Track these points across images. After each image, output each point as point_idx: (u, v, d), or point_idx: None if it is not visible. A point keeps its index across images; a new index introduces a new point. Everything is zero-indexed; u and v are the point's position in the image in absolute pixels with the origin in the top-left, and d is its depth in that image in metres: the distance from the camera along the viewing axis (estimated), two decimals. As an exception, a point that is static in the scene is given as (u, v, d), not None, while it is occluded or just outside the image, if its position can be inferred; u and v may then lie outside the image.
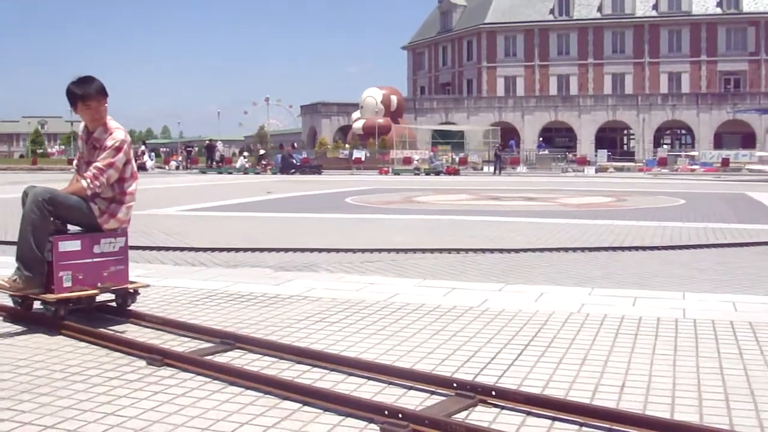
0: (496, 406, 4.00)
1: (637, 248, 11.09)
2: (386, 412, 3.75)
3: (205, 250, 10.72)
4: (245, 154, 62.34)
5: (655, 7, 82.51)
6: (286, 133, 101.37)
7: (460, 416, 3.84)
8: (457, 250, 10.61)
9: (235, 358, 4.97)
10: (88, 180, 5.93)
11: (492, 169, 51.98)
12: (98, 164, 5.95)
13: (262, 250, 10.77)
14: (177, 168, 60.08)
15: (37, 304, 6.01)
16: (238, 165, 55.50)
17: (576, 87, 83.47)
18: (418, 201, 22.77)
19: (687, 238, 12.72)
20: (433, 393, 4.20)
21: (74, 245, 5.78)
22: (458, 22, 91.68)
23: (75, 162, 6.48)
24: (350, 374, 4.55)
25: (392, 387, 4.34)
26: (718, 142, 73.25)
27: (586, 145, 73.85)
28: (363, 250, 10.62)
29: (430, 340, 5.42)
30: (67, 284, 5.72)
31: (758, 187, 31.19)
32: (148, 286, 6.51)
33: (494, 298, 6.95)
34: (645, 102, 76.19)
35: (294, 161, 50.27)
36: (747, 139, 72.99)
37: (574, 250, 10.83)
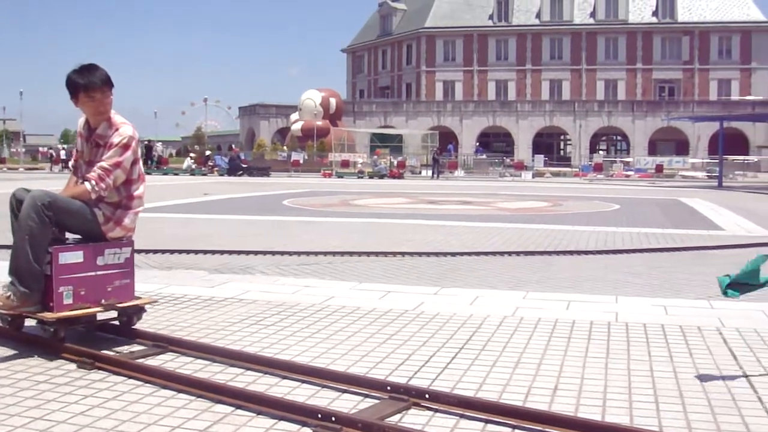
0: (429, 408, 4.00)
1: (571, 252, 11.22)
2: (319, 416, 3.73)
3: (138, 251, 10.55)
4: (192, 155, 61.65)
5: (593, 14, 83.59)
6: (224, 134, 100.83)
7: (393, 419, 3.84)
8: (394, 254, 10.63)
9: (167, 361, 4.91)
10: (93, 182, 5.24)
11: (430, 173, 52.17)
12: (104, 164, 5.27)
13: (197, 251, 10.68)
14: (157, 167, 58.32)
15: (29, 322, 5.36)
16: (184, 166, 54.83)
17: (514, 92, 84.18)
18: (356, 204, 22.76)
19: (621, 242, 12.89)
20: (367, 396, 4.19)
21: (76, 257, 5.11)
22: (398, 26, 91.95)
23: (71, 163, 5.73)
24: (284, 377, 4.52)
25: (326, 390, 4.32)
26: (653, 149, 74.39)
27: (523, 150, 74.52)
28: (299, 253, 10.59)
29: (364, 343, 5.41)
30: (68, 301, 5.05)
31: (691, 193, 31.75)
32: (156, 301, 5.99)
33: (429, 301, 6.97)
34: (582, 108, 77.12)
35: (241, 163, 49.89)
36: (681, 146, 74.25)
37: (510, 254, 10.91)
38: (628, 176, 53.06)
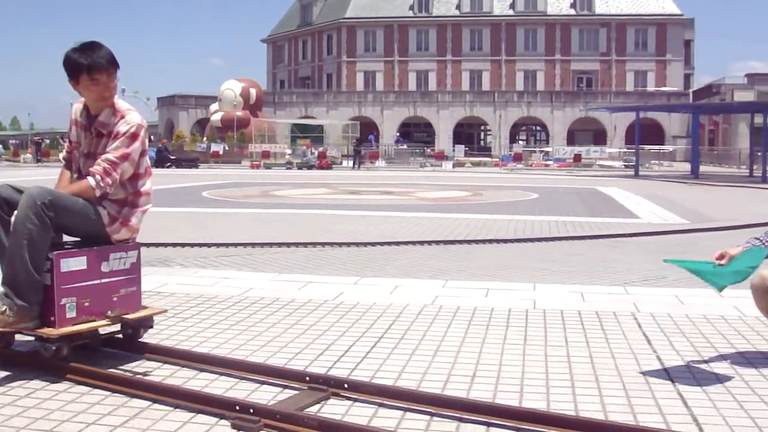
0: (348, 398, 4.00)
1: (490, 241, 11.33)
2: (237, 408, 3.70)
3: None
4: None
5: (512, 6, 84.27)
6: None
7: (312, 410, 3.83)
8: (314, 244, 10.60)
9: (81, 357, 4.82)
10: (98, 176, 4.60)
11: (351, 163, 52.10)
12: (109, 156, 4.63)
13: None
14: (38, 161, 56.64)
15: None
16: None
17: (435, 83, 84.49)
18: (276, 195, 22.65)
19: (539, 231, 13.06)
20: (286, 387, 4.17)
21: (79, 263, 4.49)
22: (318, 16, 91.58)
23: (63, 155, 5.14)
24: (202, 370, 4.48)
25: (245, 382, 4.29)
26: (571, 139, 75.38)
27: (444, 140, 74.89)
28: (218, 245, 10.49)
29: (284, 334, 5.39)
30: (71, 314, 4.43)
31: (608, 182, 32.27)
32: (165, 311, 5.40)
33: (349, 291, 6.97)
34: (501, 99, 77.78)
35: (168, 155, 49.13)
36: (598, 136, 75.38)
37: (430, 243, 10.97)
38: (547, 166, 53.68)
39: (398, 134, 73.39)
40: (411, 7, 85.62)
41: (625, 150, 60.50)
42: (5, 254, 4.42)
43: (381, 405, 3.91)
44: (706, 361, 4.85)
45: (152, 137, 63.92)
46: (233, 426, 3.60)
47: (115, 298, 4.66)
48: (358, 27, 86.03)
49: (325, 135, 66.19)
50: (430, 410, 3.81)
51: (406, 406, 3.87)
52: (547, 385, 4.32)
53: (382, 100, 79.07)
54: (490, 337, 5.37)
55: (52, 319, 4.40)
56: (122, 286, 4.71)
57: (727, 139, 65.80)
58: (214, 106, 68.89)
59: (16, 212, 4.40)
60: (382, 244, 10.81)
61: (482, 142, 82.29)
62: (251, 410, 3.66)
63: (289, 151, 54.89)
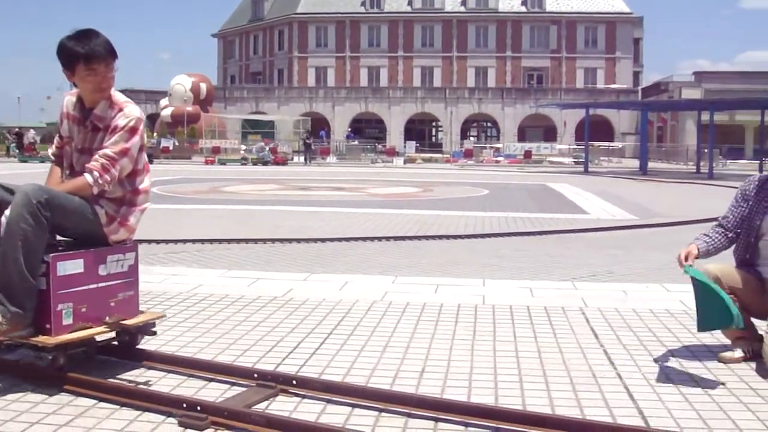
0: (297, 395, 3.99)
1: (441, 237, 11.36)
2: (185, 405, 3.67)
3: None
4: None
5: (464, 3, 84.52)
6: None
7: (260, 406, 3.81)
8: (264, 240, 10.55)
9: (26, 355, 4.74)
10: (96, 173, 4.30)
11: (302, 159, 51.89)
12: (108, 151, 4.33)
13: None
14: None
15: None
16: None
17: (386, 79, 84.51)
18: (227, 191, 22.50)
19: (489, 227, 13.12)
20: (234, 384, 4.14)
21: (76, 266, 4.20)
22: (270, 10, 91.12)
23: (52, 150, 4.78)
24: (149, 368, 4.43)
25: (192, 380, 4.25)
26: (522, 135, 75.85)
27: (395, 136, 74.95)
28: (166, 241, 10.39)
29: (232, 331, 5.35)
30: (68, 321, 4.14)
31: (558, 178, 32.52)
32: (163, 316, 5.07)
33: (299, 287, 6.94)
34: (453, 95, 78.04)
35: None
36: (549, 133, 75.92)
37: (380, 239, 10.97)
38: (497, 162, 53.93)
39: (349, 130, 73.36)
40: (363, 3, 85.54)
41: (575, 146, 61.02)
42: None
43: (330, 401, 3.91)
44: (652, 355, 4.91)
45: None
46: (180, 424, 3.57)
47: (112, 303, 4.38)
48: (310, 22, 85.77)
49: (276, 131, 65.92)
50: (379, 406, 3.81)
51: (354, 402, 3.87)
52: (496, 380, 4.35)
53: (334, 96, 78.94)
54: (439, 333, 5.38)
55: (48, 326, 4.09)
56: (120, 290, 4.43)
57: (675, 136, 66.62)
58: (164, 101, 68.23)
59: (8, 212, 4.09)
60: (332, 240, 10.79)
61: (433, 139, 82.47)
62: (198, 408, 3.64)
63: (244, 147, 54.53)
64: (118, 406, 3.79)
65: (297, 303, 6.28)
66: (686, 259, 4.72)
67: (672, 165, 53.58)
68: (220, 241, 10.51)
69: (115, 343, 4.53)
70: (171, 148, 55.14)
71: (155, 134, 61.98)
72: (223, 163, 48.45)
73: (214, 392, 4.04)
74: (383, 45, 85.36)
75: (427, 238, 11.28)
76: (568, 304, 6.40)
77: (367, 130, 78.35)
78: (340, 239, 10.86)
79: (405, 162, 52.61)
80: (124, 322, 4.38)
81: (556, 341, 5.23)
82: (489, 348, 5.01)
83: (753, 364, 4.69)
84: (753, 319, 4.91)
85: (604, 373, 4.51)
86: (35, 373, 4.20)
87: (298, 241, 10.68)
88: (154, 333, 4.58)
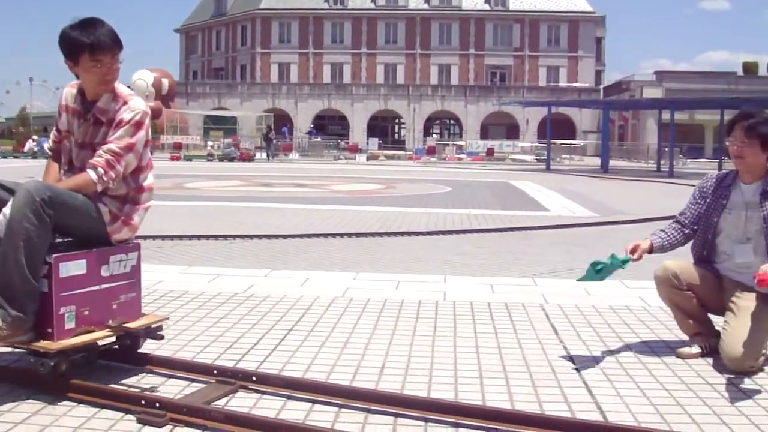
0: (256, 391, 3.97)
1: (402, 234, 11.37)
2: (143, 402, 3.64)
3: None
4: (34, 137, 58.35)
5: (427, 0, 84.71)
6: (51, 115, 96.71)
7: (219, 403, 3.79)
8: (225, 237, 10.49)
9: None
10: (100, 169, 4.09)
11: (265, 155, 51.71)
12: (112, 146, 4.13)
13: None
14: None
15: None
16: (26, 149, 51.83)
17: (349, 76, 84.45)
18: (189, 187, 22.36)
19: (451, 223, 13.15)
20: (193, 381, 4.11)
21: (78, 267, 3.99)
22: (233, 6, 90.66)
23: (48, 145, 4.57)
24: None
25: (151, 376, 4.22)
26: (485, 133, 76.22)
27: (358, 133, 74.97)
28: (128, 237, 10.27)
29: (192, 328, 5.32)
30: (70, 325, 3.93)
31: (520, 175, 32.70)
32: (167, 318, 4.79)
33: (259, 283, 6.92)
34: (416, 92, 78.19)
35: None
36: (511, 131, 76.38)
37: (342, 235, 10.95)
38: (460, 159, 54.14)
39: (311, 126, 73.20)
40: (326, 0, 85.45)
41: (537, 144, 61.48)
42: None
43: (289, 397, 3.89)
44: (611, 351, 4.95)
45: (47, 128, 62.39)
46: (139, 420, 3.54)
47: (115, 306, 4.18)
48: (273, 18, 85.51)
49: (238, 127, 65.68)
50: (339, 402, 3.80)
51: (314, 398, 3.86)
52: (456, 375, 4.35)
53: (297, 93, 78.78)
54: (400, 329, 5.39)
55: (50, 330, 3.87)
56: (122, 291, 4.22)
57: (636, 135, 67.27)
58: (125, 97, 67.69)
59: (6, 210, 3.88)
60: (293, 236, 10.75)
61: (396, 136, 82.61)
62: (157, 404, 3.61)
63: (210, 143, 54.22)
64: (75, 404, 3.75)
65: (258, 299, 6.25)
66: (632, 252, 4.77)
67: (633, 163, 54.10)
68: (181, 237, 10.44)
69: (116, 347, 4.37)
70: (132, 143, 54.49)
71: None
72: (188, 159, 48.16)
73: (173, 389, 4.01)
74: (346, 42, 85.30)
75: (389, 234, 11.29)
76: (528, 300, 6.43)
77: (330, 127, 78.28)
78: (301, 236, 10.83)
79: (368, 159, 52.68)
80: (127, 325, 4.19)
81: (516, 337, 5.25)
82: (449, 344, 5.02)
83: (710, 360, 4.74)
84: (710, 316, 4.97)
85: (563, 368, 4.54)
86: (36, 380, 3.95)
87: (260, 237, 10.63)
88: (162, 337, 4.35)
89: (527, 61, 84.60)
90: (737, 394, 4.15)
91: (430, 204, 17.40)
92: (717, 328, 4.87)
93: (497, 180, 29.07)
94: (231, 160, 46.60)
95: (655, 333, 5.42)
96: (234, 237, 10.56)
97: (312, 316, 5.73)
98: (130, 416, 3.59)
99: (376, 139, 66.03)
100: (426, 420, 3.61)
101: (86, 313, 4.00)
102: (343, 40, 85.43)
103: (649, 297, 6.18)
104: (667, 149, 40.17)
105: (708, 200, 4.97)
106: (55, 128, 4.53)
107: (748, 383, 4.33)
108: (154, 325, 4.35)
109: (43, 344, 3.83)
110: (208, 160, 46.98)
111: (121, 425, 3.52)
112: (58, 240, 4.12)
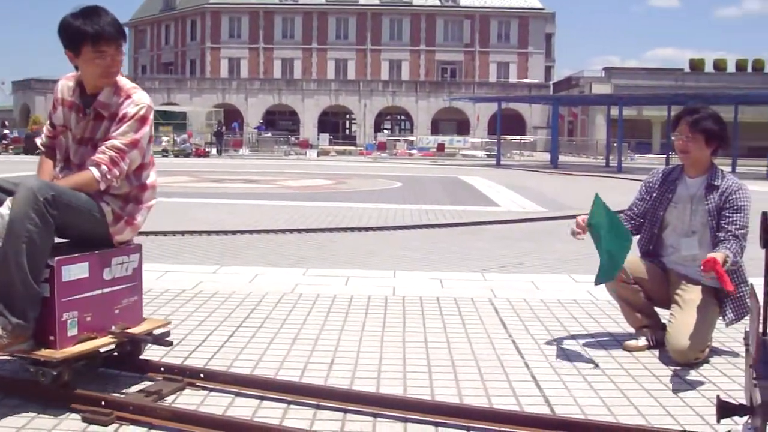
0: (204, 388, 3.94)
1: (353, 229, 11.36)
2: (88, 401, 3.59)
3: None
4: None
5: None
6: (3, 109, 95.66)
7: (167, 400, 3.75)
8: (173, 233, 10.39)
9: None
10: (104, 167, 3.88)
11: (215, 150, 51.33)
12: (116, 142, 3.91)
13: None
14: None
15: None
16: None
17: (300, 71, 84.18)
18: (138, 183, 22.09)
19: (401, 219, 13.15)
20: (141, 379, 4.06)
21: (81, 270, 3.78)
22: (182, 0, 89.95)
23: (41, 140, 4.30)
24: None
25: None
26: (435, 128, 76.44)
27: (309, 128, 74.78)
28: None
29: (139, 324, 5.26)
30: (72, 332, 3.72)
31: (471, 171, 32.82)
32: (169, 322, 4.52)
33: (208, 280, 6.87)
34: (367, 88, 78.21)
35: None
36: (462, 126, 76.68)
37: (292, 231, 10.91)
38: (411, 155, 54.20)
39: (261, 122, 72.82)
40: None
41: (488, 140, 61.73)
42: None
43: (238, 394, 3.87)
44: (559, 344, 4.98)
45: (6, 122, 61.56)
46: (84, 420, 3.49)
47: (117, 310, 3.98)
48: (223, 13, 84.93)
49: (188, 122, 65.09)
50: (287, 398, 3.79)
51: (262, 394, 3.84)
52: (405, 370, 4.36)
53: (247, 88, 78.40)
54: (349, 325, 5.38)
55: (52, 338, 3.66)
56: (124, 295, 4.03)
57: (585, 130, 67.84)
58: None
59: (4, 210, 3.65)
60: (243, 232, 10.68)
61: (347, 131, 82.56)
62: (102, 402, 3.56)
63: (166, 138, 53.65)
64: (18, 402, 3.69)
65: (206, 296, 6.21)
66: (579, 227, 4.78)
67: (582, 158, 54.55)
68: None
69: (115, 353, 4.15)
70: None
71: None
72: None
73: (119, 388, 3.95)
74: (297, 37, 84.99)
75: (339, 230, 11.26)
76: (477, 294, 6.46)
77: (281, 122, 77.99)
78: (251, 231, 10.76)
79: (318, 154, 52.51)
80: (129, 330, 4.00)
81: (465, 331, 5.26)
82: (398, 339, 5.02)
83: (656, 352, 4.80)
84: (657, 308, 5.03)
85: (511, 362, 4.56)
86: (37, 391, 3.72)
87: (209, 233, 10.56)
88: (170, 343, 4.13)
89: (478, 57, 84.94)
90: (682, 385, 4.20)
91: (380, 199, 17.39)
92: (663, 320, 4.93)
93: (448, 175, 29.15)
94: (187, 155, 46.20)
95: (602, 326, 5.47)
96: (182, 233, 10.46)
97: (261, 312, 5.70)
98: (75, 415, 3.54)
99: (327, 134, 65.92)
100: (375, 416, 3.61)
101: (88, 319, 3.80)
102: (293, 36, 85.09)
103: (596, 290, 6.21)
104: (615, 144, 40.57)
105: (654, 195, 5.03)
106: (48, 123, 4.30)
107: (693, 375, 4.39)
108: (157, 330, 4.17)
109: (46, 353, 3.62)
110: (163, 156, 46.49)
111: (66, 424, 3.47)
112: (56, 241, 3.90)
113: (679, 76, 67.85)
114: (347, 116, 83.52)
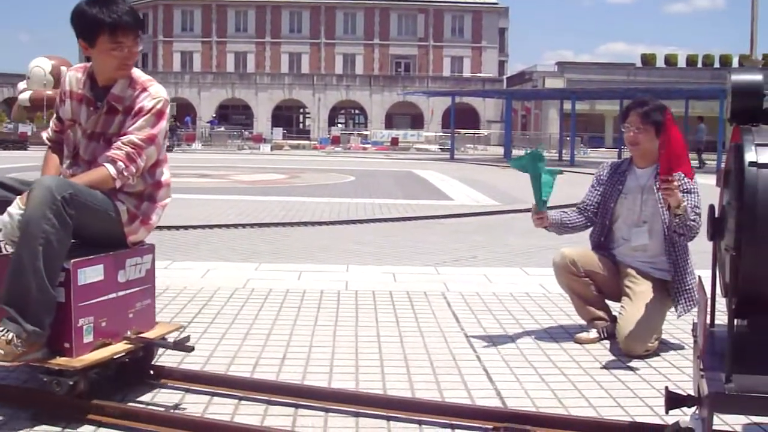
0: (154, 386, 3.89)
1: (305, 224, 11.32)
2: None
3: None
4: None
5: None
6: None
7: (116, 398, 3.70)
8: (125, 228, 10.27)
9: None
10: (120, 163, 3.67)
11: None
12: (133, 137, 3.71)
13: None
14: None
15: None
16: None
17: (253, 65, 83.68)
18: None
19: (354, 213, 13.14)
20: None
21: (96, 273, 3.56)
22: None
23: (47, 135, 4.14)
24: None
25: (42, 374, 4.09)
26: (389, 122, 76.49)
27: (262, 122, 74.44)
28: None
29: (88, 320, 5.19)
30: (88, 338, 3.52)
31: (424, 165, 32.90)
32: (182, 326, 4.43)
33: (159, 275, 6.62)
34: (321, 82, 77.99)
35: None
36: (416, 120, 76.79)
37: (244, 226, 10.85)
38: (365, 149, 54.18)
39: (213, 116, 72.41)
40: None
41: (442, 134, 61.93)
42: (10, 265, 3.42)
43: (188, 391, 3.84)
44: (511, 337, 5.00)
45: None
46: (33, 417, 3.43)
47: (131, 315, 3.79)
48: (175, 6, 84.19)
49: (140, 116, 64.51)
50: (239, 394, 3.77)
51: (213, 390, 3.81)
52: (357, 365, 4.35)
53: (200, 82, 77.82)
54: (301, 320, 5.36)
55: (67, 345, 3.45)
56: (138, 298, 3.84)
57: (538, 124, 68.36)
58: (21, 85, 65.88)
59: (16, 209, 3.43)
60: (194, 227, 10.58)
61: (301, 125, 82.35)
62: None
63: (45, 136, 52.89)
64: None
65: (157, 291, 6.08)
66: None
67: (535, 152, 54.68)
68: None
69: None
70: (29, 133, 53.27)
71: (10, 119, 59.91)
72: None
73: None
74: (250, 30, 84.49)
75: (291, 224, 11.22)
76: (430, 288, 6.47)
77: (234, 117, 77.48)
78: (203, 226, 10.68)
79: (272, 149, 52.29)
80: (143, 335, 3.82)
81: (417, 325, 5.27)
82: (351, 333, 5.01)
83: (607, 344, 4.84)
84: (608, 301, 5.07)
85: (464, 355, 4.57)
86: (51, 402, 3.50)
87: (160, 228, 10.39)
88: (192, 348, 3.85)
89: (431, 51, 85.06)
90: (632, 377, 4.24)
91: (333, 194, 17.38)
92: (614, 313, 4.97)
93: (401, 169, 29.19)
94: None
95: (554, 319, 5.51)
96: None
97: (212, 308, 5.66)
98: (24, 413, 3.48)
99: (281, 128, 65.58)
100: (326, 410, 3.59)
101: (103, 324, 3.60)
102: (246, 29, 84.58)
103: (548, 283, 6.27)
104: (568, 138, 40.89)
105: (604, 188, 5.07)
106: (55, 116, 4.12)
107: (643, 366, 4.43)
108: (171, 334, 4.03)
109: (62, 361, 3.42)
110: None
111: (14, 424, 3.40)
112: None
113: (631, 71, 68.59)
114: (301, 110, 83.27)
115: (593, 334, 4.93)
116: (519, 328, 5.26)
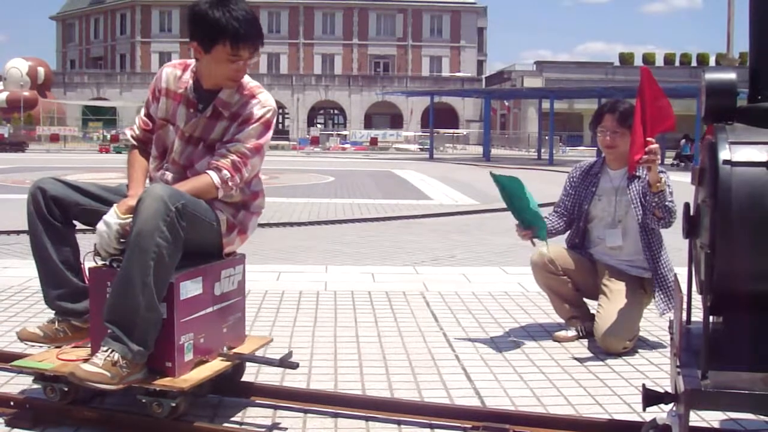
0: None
1: (284, 224, 11.30)
2: (12, 404, 3.52)
3: None
4: None
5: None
6: None
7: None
8: (93, 231, 10.20)
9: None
10: (226, 172, 3.48)
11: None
12: (241, 147, 3.51)
13: None
14: None
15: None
16: None
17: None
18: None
19: (334, 213, 13.14)
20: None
21: (196, 286, 3.40)
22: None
23: (131, 133, 3.88)
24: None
25: (20, 376, 4.06)
26: (369, 122, 76.51)
27: (241, 123, 74.24)
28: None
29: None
30: (189, 356, 3.35)
31: (404, 164, 32.94)
32: (271, 340, 4.18)
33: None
34: (299, 82, 77.91)
35: None
36: (395, 120, 76.85)
37: (223, 227, 10.80)
38: (344, 149, 54.22)
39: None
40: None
41: (421, 133, 61.94)
42: (116, 281, 3.23)
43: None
44: (490, 336, 5.01)
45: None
46: (8, 423, 3.41)
47: (225, 329, 3.62)
48: (153, 7, 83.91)
49: (118, 117, 64.39)
50: (217, 395, 3.74)
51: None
52: (336, 365, 4.34)
53: (177, 82, 77.51)
54: (280, 320, 5.35)
55: (168, 364, 3.28)
56: (231, 312, 3.67)
57: (517, 124, 68.48)
58: (-2, 86, 65.72)
59: (109, 218, 3.32)
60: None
61: (280, 126, 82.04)
62: (27, 405, 3.48)
63: (129, 133, 52.71)
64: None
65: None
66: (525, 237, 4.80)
67: (514, 151, 55.07)
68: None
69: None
70: (6, 135, 52.93)
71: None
72: (118, 151, 45.06)
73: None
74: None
75: (270, 225, 11.18)
76: (409, 288, 6.47)
77: (213, 117, 77.27)
78: (182, 227, 10.64)
79: (251, 150, 52.06)
80: (236, 350, 3.65)
81: (396, 325, 5.27)
82: (330, 334, 5.01)
83: (585, 342, 4.85)
84: (585, 299, 5.08)
85: (443, 355, 4.57)
86: (151, 426, 3.31)
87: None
88: (296, 365, 3.62)
89: (410, 51, 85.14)
90: (610, 374, 4.25)
91: (312, 194, 17.38)
92: (592, 311, 4.99)
93: (381, 169, 29.21)
94: (119, 151, 45.25)
95: (532, 318, 5.52)
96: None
97: (191, 309, 5.63)
98: (-1, 418, 3.46)
99: (260, 129, 65.44)
100: (305, 411, 3.58)
101: (202, 340, 3.43)
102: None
103: (527, 282, 6.28)
104: (547, 138, 41.00)
105: (577, 190, 5.08)
106: (144, 113, 3.86)
107: (620, 364, 4.44)
108: (260, 348, 3.86)
109: (166, 382, 3.24)
110: (117, 152, 45.34)
111: (-12, 427, 3.39)
112: None
113: (609, 70, 68.82)
114: (280, 111, 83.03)
115: (571, 332, 4.94)
116: (498, 327, 5.27)
